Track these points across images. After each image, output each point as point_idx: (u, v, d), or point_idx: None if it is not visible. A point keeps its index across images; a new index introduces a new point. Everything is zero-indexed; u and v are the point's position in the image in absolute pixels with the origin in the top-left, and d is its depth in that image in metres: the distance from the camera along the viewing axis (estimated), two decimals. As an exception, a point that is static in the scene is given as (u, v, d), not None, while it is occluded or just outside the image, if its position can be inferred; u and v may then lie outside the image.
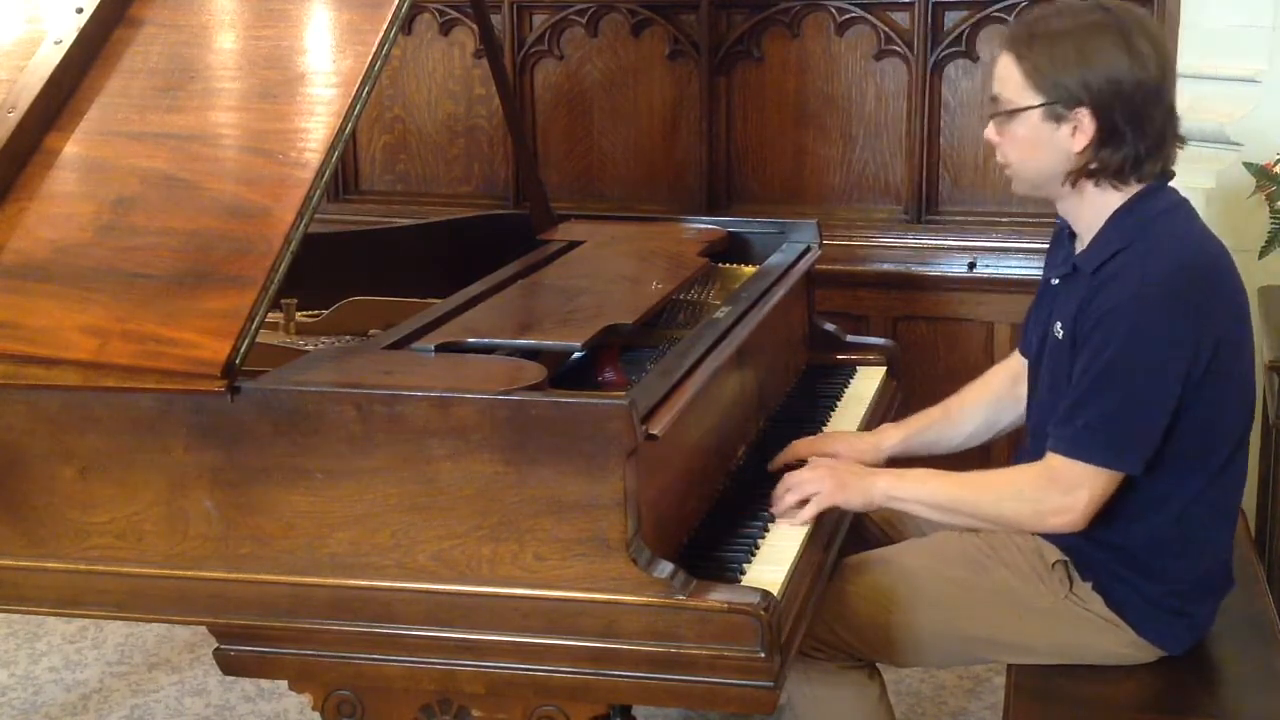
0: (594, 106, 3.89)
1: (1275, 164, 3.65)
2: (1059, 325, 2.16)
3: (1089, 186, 2.11)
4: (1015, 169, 2.16)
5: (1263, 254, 3.70)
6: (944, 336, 3.61)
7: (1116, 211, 2.11)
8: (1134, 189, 2.11)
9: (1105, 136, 2.05)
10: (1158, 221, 2.08)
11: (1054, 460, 2.08)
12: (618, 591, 1.86)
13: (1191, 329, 2.01)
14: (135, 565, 2.03)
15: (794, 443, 2.46)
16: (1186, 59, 3.49)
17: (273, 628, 2.00)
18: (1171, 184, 2.16)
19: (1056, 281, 2.21)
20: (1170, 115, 2.10)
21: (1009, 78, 2.10)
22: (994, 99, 2.14)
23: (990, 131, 2.17)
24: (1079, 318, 2.10)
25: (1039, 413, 2.24)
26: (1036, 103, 2.07)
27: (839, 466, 2.27)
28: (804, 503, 2.20)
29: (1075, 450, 2.06)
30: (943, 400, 2.56)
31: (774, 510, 2.21)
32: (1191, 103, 3.73)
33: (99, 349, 2.02)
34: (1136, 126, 2.05)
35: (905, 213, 3.68)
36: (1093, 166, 2.08)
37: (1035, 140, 2.09)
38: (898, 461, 2.57)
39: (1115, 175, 2.09)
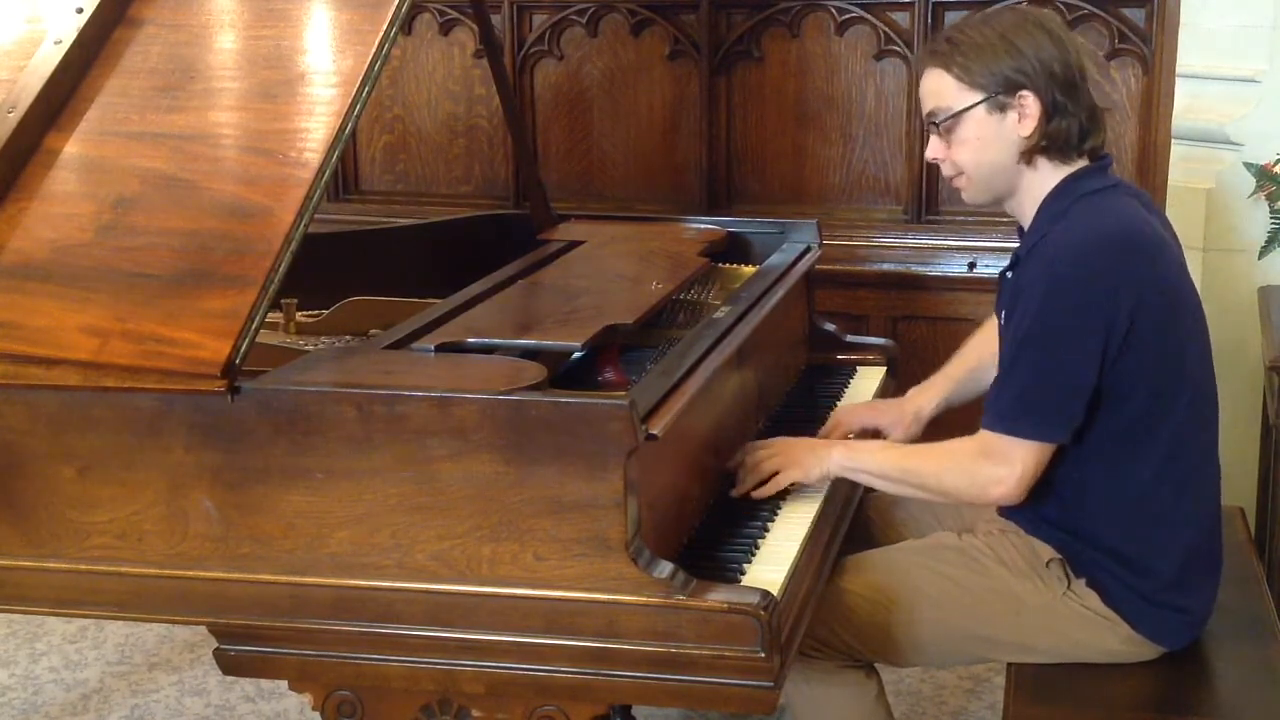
0: (594, 106, 3.89)
1: (1275, 164, 3.66)
2: (1004, 313, 2.24)
3: (1042, 162, 2.18)
4: (970, 173, 2.22)
5: (1263, 254, 3.71)
6: (944, 336, 3.59)
7: (1045, 199, 2.18)
8: (1072, 168, 2.18)
9: (1051, 111, 2.14)
10: (1078, 203, 2.15)
11: (986, 434, 2.14)
12: (618, 591, 1.86)
13: (1102, 296, 2.06)
14: (135, 565, 2.03)
15: (839, 414, 2.64)
16: (1186, 59, 3.48)
17: (273, 628, 2.00)
18: (1111, 169, 2.24)
19: (1010, 275, 2.27)
20: (1091, 94, 2.19)
21: (942, 88, 2.18)
22: (931, 114, 2.21)
23: (935, 148, 2.24)
24: (1012, 301, 2.18)
25: None
26: (978, 99, 2.15)
27: (793, 443, 2.33)
28: (763, 483, 2.26)
29: (1002, 424, 2.12)
30: (947, 362, 2.67)
31: (733, 491, 2.27)
32: (1191, 103, 3.74)
33: (99, 349, 2.02)
34: (1074, 99, 2.15)
35: (905, 213, 3.67)
36: (1044, 143, 2.16)
37: (984, 137, 2.17)
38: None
39: (1063, 148, 2.16)
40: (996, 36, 2.14)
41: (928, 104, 2.22)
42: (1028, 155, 2.16)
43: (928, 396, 2.63)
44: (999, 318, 2.30)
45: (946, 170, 2.26)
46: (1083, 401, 2.09)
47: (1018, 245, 2.26)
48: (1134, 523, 2.17)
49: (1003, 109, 2.14)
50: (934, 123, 2.21)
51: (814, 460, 2.27)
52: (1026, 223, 2.23)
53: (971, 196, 2.27)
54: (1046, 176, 2.18)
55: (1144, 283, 2.09)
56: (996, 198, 2.25)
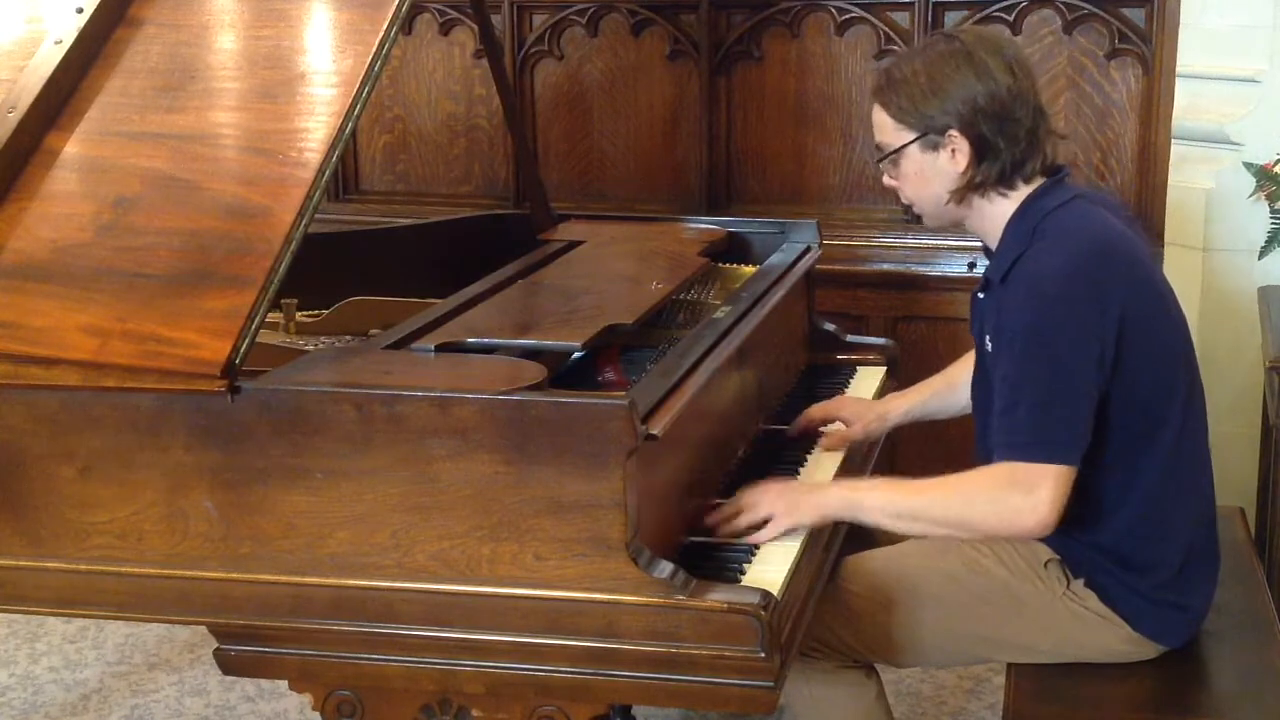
0: (594, 106, 3.89)
1: (1275, 164, 3.65)
2: (986, 339, 2.22)
3: (976, 200, 2.21)
4: (918, 204, 2.28)
5: (1263, 254, 3.71)
6: (944, 336, 3.60)
7: (1010, 220, 2.20)
8: (1024, 192, 2.19)
9: (979, 151, 2.16)
10: (1046, 221, 2.15)
11: (1009, 465, 2.08)
12: (618, 591, 1.86)
13: (1092, 313, 2.07)
14: (135, 565, 2.02)
15: (808, 409, 2.59)
16: (1186, 59, 3.49)
17: (273, 628, 2.00)
18: (1068, 180, 2.24)
19: (982, 296, 2.27)
20: (1038, 113, 2.19)
21: (883, 125, 2.23)
22: (878, 148, 2.26)
23: (887, 178, 2.29)
24: (997, 327, 2.17)
25: (983, 419, 2.26)
26: (911, 138, 2.19)
27: (788, 488, 2.23)
28: (755, 526, 2.15)
29: (1024, 452, 2.07)
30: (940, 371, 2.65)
31: (720, 529, 2.15)
32: (1191, 103, 3.74)
33: (99, 349, 2.02)
34: (1006, 134, 2.16)
35: (905, 213, 3.65)
36: (977, 181, 2.18)
37: (922, 172, 2.21)
38: (902, 430, 2.68)
39: (999, 183, 2.19)
40: (925, 75, 2.16)
41: (876, 137, 2.27)
42: (960, 194, 2.19)
43: (900, 402, 2.64)
44: (976, 340, 2.30)
45: (903, 198, 2.30)
46: (1089, 420, 2.08)
47: (986, 266, 2.27)
48: (1138, 524, 2.16)
49: (935, 147, 2.18)
50: (880, 157, 2.26)
51: (811, 506, 2.16)
52: (992, 243, 2.24)
53: (929, 223, 2.34)
54: (1003, 201, 2.20)
55: (1127, 289, 2.10)
56: (954, 222, 2.29)
